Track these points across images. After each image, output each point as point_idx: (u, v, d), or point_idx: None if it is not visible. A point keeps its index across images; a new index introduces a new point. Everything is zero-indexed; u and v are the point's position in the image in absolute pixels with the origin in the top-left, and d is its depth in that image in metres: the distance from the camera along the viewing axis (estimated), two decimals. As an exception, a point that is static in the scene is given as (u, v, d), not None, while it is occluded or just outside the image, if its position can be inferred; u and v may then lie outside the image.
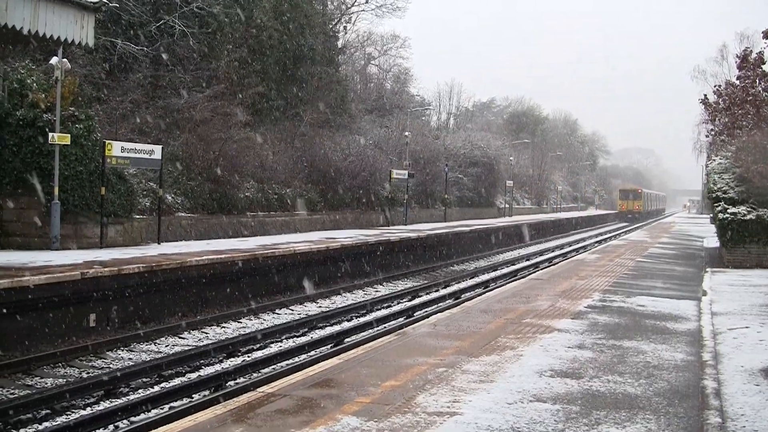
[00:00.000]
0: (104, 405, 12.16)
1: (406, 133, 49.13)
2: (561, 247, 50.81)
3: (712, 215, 36.47)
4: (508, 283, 23.71)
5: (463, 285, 28.07)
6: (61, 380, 13.71)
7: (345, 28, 59.43)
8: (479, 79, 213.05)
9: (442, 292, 26.06)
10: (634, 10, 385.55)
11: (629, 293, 18.19)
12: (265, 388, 9.11)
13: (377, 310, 22.16)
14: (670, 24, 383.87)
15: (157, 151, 25.26)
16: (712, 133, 34.73)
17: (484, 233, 46.32)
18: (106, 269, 17.84)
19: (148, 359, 15.24)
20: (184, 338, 17.62)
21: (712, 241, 37.40)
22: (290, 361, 15.25)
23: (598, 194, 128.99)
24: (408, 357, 10.71)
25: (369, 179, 44.21)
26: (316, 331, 18.85)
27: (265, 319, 20.35)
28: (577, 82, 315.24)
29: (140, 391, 13.09)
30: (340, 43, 56.18)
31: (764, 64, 27.23)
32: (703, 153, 69.99)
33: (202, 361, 15.11)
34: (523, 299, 16.86)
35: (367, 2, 59.14)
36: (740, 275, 23.15)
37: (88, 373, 14.32)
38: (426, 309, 21.84)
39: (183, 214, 29.24)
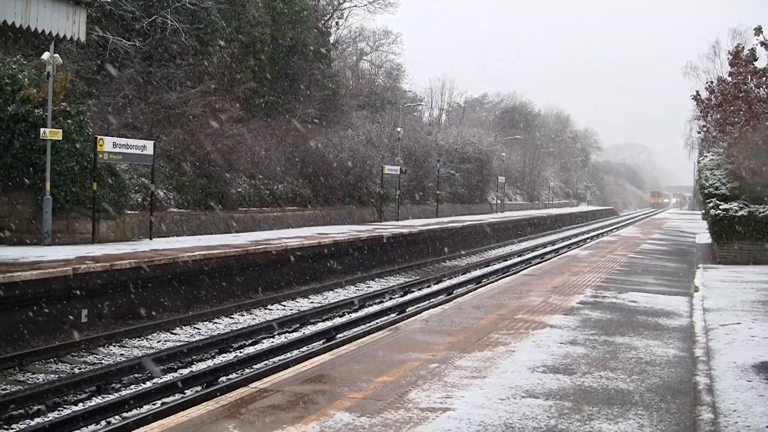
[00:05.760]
0: (96, 401, 12.13)
1: (398, 129, 49.14)
2: (553, 243, 50.87)
3: (704, 211, 36.54)
4: (501, 279, 23.72)
5: (455, 281, 28.08)
6: (53, 376, 13.68)
7: (337, 23, 59.31)
8: (471, 74, 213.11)
9: (435, 287, 26.06)
10: (627, 5, 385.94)
11: (621, 289, 18.21)
12: (258, 384, 9.09)
13: (369, 305, 22.16)
14: (662, 20, 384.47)
15: (149, 147, 25.22)
16: (704, 129, 34.80)
17: (476, 229, 46.37)
18: (97, 265, 17.81)
19: (140, 355, 15.21)
20: (175, 334, 17.59)
21: (704, 237, 37.45)
22: (282, 356, 15.25)
23: (590, 190, 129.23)
24: (400, 353, 10.70)
25: (361, 175, 44.24)
26: (309, 326, 18.83)
27: (256, 315, 20.33)
28: (569, 78, 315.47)
29: (132, 386, 13.06)
30: (332, 39, 56.09)
31: (756, 60, 27.24)
32: (695, 149, 70.26)
33: (194, 357, 15.09)
34: (516, 295, 16.87)
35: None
36: (732, 271, 23.19)
37: (80, 368, 14.29)
38: (418, 305, 21.83)
39: (175, 210, 29.21)
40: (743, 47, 28.44)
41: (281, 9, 42.25)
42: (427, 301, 22.43)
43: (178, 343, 16.33)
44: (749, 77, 27.27)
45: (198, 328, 18.29)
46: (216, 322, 19.06)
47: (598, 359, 10.58)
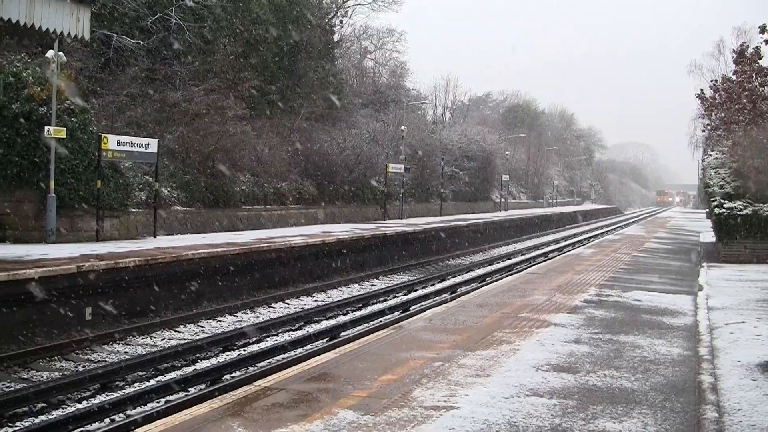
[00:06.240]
0: (100, 398, 12.14)
1: (402, 128, 49.10)
2: (557, 241, 50.85)
3: (708, 210, 36.49)
4: (505, 277, 23.71)
5: (458, 279, 28.07)
6: (57, 374, 13.69)
7: (341, 21, 59.33)
8: (475, 72, 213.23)
9: (438, 286, 26.05)
10: (632, 3, 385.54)
11: (625, 288, 18.19)
12: (262, 382, 9.09)
13: (373, 304, 22.16)
14: (666, 17, 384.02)
15: (153, 145, 25.23)
16: (709, 128, 34.73)
17: (480, 227, 46.34)
18: (102, 263, 17.82)
19: (144, 353, 15.22)
20: (179, 332, 17.60)
21: (708, 236, 37.43)
22: (286, 354, 15.25)
23: (594, 189, 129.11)
24: (404, 351, 10.70)
25: (365, 173, 44.25)
26: (312, 324, 18.83)
27: (260, 313, 20.33)
28: (573, 77, 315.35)
29: (136, 384, 13.07)
30: (336, 37, 56.07)
31: (761, 59, 27.17)
32: (699, 148, 70.23)
33: (198, 355, 15.10)
34: (520, 293, 16.85)
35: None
36: (736, 270, 23.17)
37: (84, 366, 14.30)
38: (422, 303, 21.83)
39: (179, 208, 29.23)
40: (748, 45, 28.38)
41: (285, 7, 42.24)
42: (431, 300, 22.43)
43: (182, 341, 16.34)
44: (754, 75, 27.21)
45: (202, 326, 18.30)
46: (220, 320, 19.07)
47: (602, 358, 10.57)
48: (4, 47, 23.11)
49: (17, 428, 10.83)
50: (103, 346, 15.77)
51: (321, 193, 40.17)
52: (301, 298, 22.89)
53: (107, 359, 14.89)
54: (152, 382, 13.18)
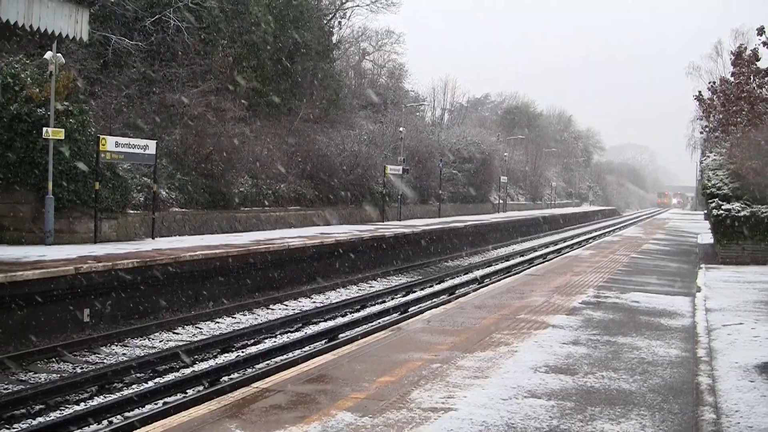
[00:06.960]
0: (98, 400, 12.13)
1: (401, 129, 49.07)
2: (555, 243, 50.84)
3: (706, 212, 36.51)
4: (503, 279, 23.71)
5: (457, 281, 28.05)
6: (54, 375, 13.68)
7: (340, 23, 59.35)
8: (474, 75, 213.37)
9: (437, 287, 26.04)
10: (631, 5, 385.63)
11: (624, 289, 18.19)
12: (260, 384, 9.08)
13: (371, 305, 22.14)
14: (665, 20, 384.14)
15: (151, 146, 25.23)
16: (707, 129, 34.74)
17: (479, 229, 46.35)
18: (100, 264, 17.80)
19: (142, 354, 15.20)
20: (178, 333, 17.59)
21: (706, 238, 37.44)
22: (284, 356, 15.23)
23: (592, 190, 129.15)
24: (402, 352, 10.69)
25: (364, 175, 44.23)
26: (311, 326, 18.81)
27: (258, 315, 20.32)
28: (572, 79, 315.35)
29: (134, 386, 13.06)
30: (334, 39, 56.04)
31: (758, 60, 27.21)
32: (698, 149, 70.23)
33: (196, 357, 15.08)
34: (518, 295, 16.85)
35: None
36: (734, 271, 23.17)
37: (82, 368, 14.29)
38: (420, 304, 21.81)
39: (177, 209, 29.21)
40: (746, 47, 28.42)
41: (284, 9, 42.23)
42: (430, 301, 22.41)
43: (181, 343, 16.32)
44: (752, 77, 27.25)
45: (200, 328, 18.29)
46: (218, 322, 19.06)
47: (600, 359, 10.57)
48: (2, 48, 23.10)
49: (15, 430, 10.82)
50: (101, 348, 15.75)
51: (319, 194, 40.16)
52: (299, 299, 22.88)
53: (105, 361, 14.88)
54: (150, 383, 13.17)
